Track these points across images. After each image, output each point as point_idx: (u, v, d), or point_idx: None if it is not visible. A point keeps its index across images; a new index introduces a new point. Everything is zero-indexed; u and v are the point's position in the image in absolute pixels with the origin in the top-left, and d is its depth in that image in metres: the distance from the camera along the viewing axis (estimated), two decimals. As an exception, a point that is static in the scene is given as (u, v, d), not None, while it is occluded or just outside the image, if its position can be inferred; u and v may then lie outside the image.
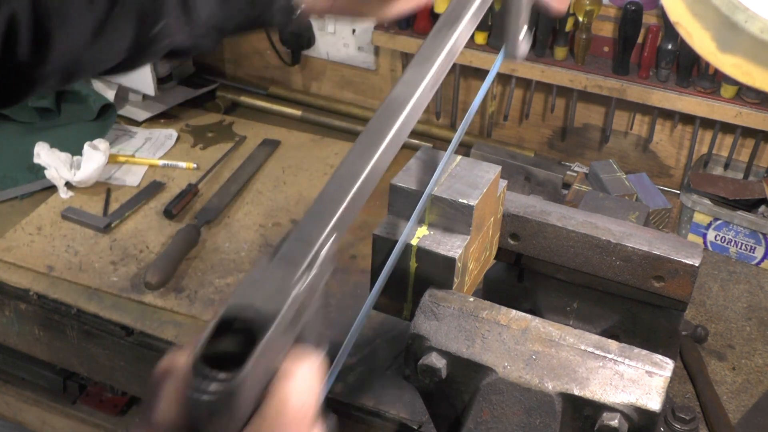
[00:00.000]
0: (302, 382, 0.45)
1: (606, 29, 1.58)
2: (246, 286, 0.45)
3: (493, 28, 1.59)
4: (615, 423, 0.74)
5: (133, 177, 1.59)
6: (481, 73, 1.70)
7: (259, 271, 0.46)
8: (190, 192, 1.52)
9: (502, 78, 1.67)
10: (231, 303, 0.44)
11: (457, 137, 0.84)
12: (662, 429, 1.01)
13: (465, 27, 0.67)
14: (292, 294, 0.44)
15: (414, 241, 0.84)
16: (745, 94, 1.49)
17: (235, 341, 0.43)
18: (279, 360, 0.45)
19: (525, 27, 0.84)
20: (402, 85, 0.62)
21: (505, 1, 0.81)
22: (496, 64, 0.86)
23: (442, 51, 0.64)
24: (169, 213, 1.47)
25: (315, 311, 0.48)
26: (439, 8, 1.59)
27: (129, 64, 0.74)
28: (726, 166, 1.58)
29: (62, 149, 1.55)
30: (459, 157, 0.91)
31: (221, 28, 0.75)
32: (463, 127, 0.84)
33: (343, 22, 1.74)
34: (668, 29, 1.51)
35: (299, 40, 1.78)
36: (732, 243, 1.43)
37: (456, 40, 0.66)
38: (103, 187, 1.56)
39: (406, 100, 0.60)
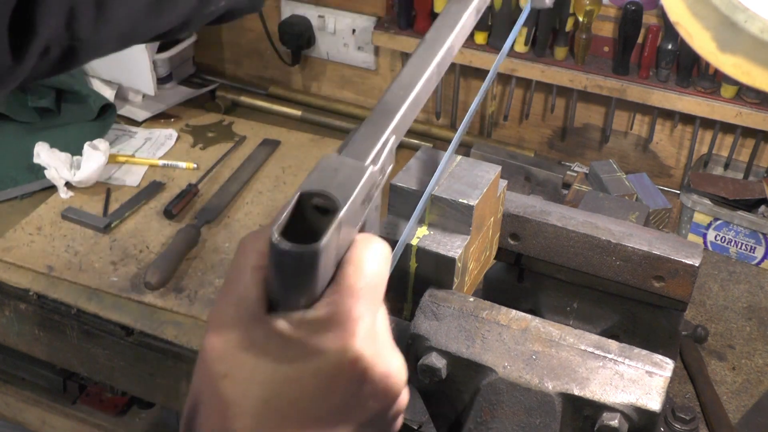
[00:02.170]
0: (375, 256, 0.47)
1: (606, 29, 1.58)
2: (319, 171, 0.47)
3: (493, 28, 1.59)
4: (615, 423, 0.74)
5: (133, 177, 1.59)
6: (481, 73, 1.70)
7: (328, 160, 0.48)
8: (190, 192, 1.52)
9: (502, 78, 1.67)
10: (306, 183, 0.46)
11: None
12: (662, 429, 1.01)
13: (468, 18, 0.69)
14: (363, 177, 0.47)
15: (414, 241, 0.84)
16: (745, 94, 1.49)
17: (314, 216, 0.46)
18: (354, 235, 0.47)
19: None
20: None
21: None
22: (523, 15, 0.86)
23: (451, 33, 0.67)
24: (169, 213, 1.47)
25: (376, 207, 0.51)
26: (439, 8, 1.60)
27: (185, 27, 0.75)
28: (726, 166, 1.58)
29: (62, 149, 1.55)
30: (459, 157, 0.91)
31: None
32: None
33: None
34: (668, 29, 1.51)
35: (299, 40, 1.78)
36: (732, 243, 1.43)
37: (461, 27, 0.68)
38: (103, 187, 1.56)
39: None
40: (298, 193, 0.46)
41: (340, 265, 0.46)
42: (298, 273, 0.44)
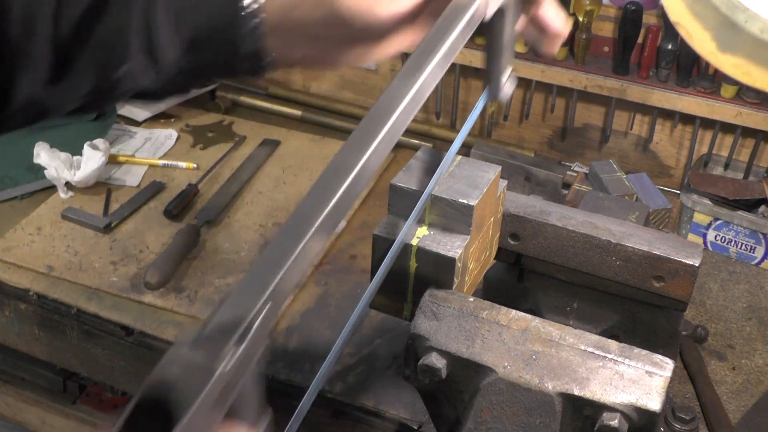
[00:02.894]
0: None
1: (606, 29, 1.58)
2: (168, 363, 0.42)
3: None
4: (615, 423, 0.74)
5: (133, 177, 1.59)
6: (481, 73, 1.70)
7: (184, 344, 0.42)
8: (190, 192, 1.52)
9: (502, 78, 1.67)
10: (150, 382, 0.41)
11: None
12: (662, 429, 1.01)
13: (435, 66, 0.63)
14: (216, 372, 0.41)
15: (414, 241, 0.84)
16: (745, 94, 1.49)
17: (154, 424, 0.41)
18: None
19: (509, 68, 0.81)
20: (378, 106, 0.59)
21: (487, 41, 0.77)
22: (477, 107, 0.83)
23: (430, 64, 0.62)
24: (169, 213, 1.47)
25: (252, 384, 0.45)
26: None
27: (93, 105, 0.73)
28: (726, 166, 1.58)
29: (62, 149, 1.55)
30: (459, 157, 0.91)
31: (187, 74, 0.72)
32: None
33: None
34: (668, 29, 1.51)
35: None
36: (732, 243, 1.43)
37: (424, 80, 0.62)
38: (103, 187, 1.56)
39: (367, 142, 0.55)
40: (135, 400, 0.41)
41: None
42: None
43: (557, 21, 0.75)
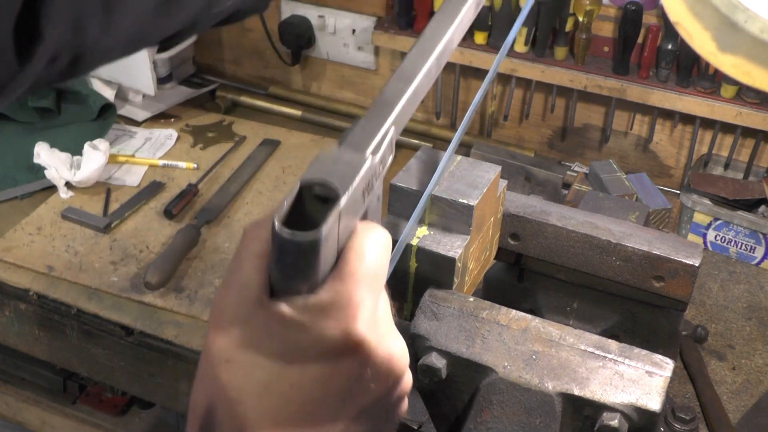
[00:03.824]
0: (376, 244, 0.48)
1: (606, 29, 1.58)
2: (319, 162, 0.48)
3: (493, 28, 1.59)
4: (615, 423, 0.74)
5: (133, 177, 1.59)
6: (481, 73, 1.70)
7: (328, 151, 0.49)
8: (190, 192, 1.52)
9: (502, 78, 1.67)
10: (307, 174, 0.47)
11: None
12: (662, 429, 1.01)
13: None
14: (363, 167, 0.48)
15: (414, 241, 0.84)
16: (745, 94, 1.49)
17: (315, 206, 0.46)
18: (353, 227, 0.48)
19: None
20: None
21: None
22: (522, 13, 0.84)
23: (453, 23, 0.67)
24: (169, 213, 1.47)
25: (377, 198, 0.53)
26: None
27: (193, 28, 0.75)
28: (726, 166, 1.58)
29: (62, 149, 1.55)
30: (459, 157, 0.91)
31: None
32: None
33: None
34: (668, 29, 1.51)
35: (299, 40, 1.78)
36: (732, 243, 1.43)
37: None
38: (103, 187, 1.56)
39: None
40: (299, 183, 0.46)
41: (341, 252, 0.47)
42: (299, 260, 0.45)
43: None
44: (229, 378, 0.46)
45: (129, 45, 0.70)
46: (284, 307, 0.45)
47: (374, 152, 0.51)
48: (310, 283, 0.45)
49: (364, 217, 0.50)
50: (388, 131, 0.55)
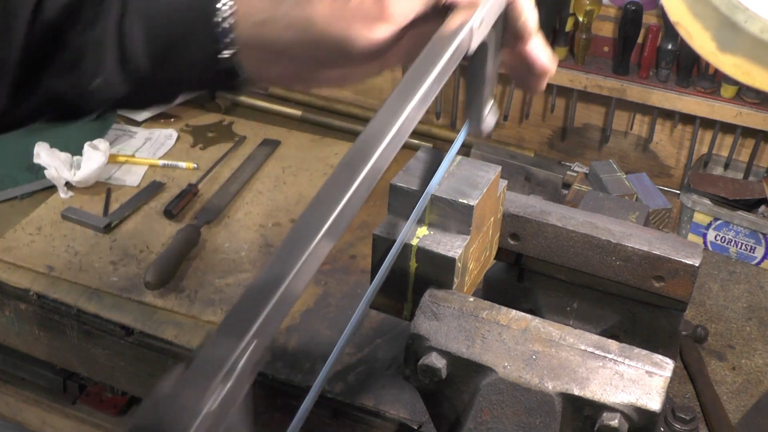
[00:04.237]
0: None
1: (606, 29, 1.58)
2: (154, 403, 0.42)
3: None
4: (615, 423, 0.74)
5: (133, 177, 1.59)
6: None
7: (170, 383, 0.42)
8: (190, 192, 1.52)
9: (502, 78, 1.67)
10: (135, 422, 0.41)
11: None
12: (662, 429, 1.01)
13: (418, 101, 0.62)
14: (202, 412, 0.41)
15: (414, 241, 0.84)
16: (745, 94, 1.49)
17: None
18: None
19: (491, 101, 0.80)
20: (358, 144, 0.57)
21: (468, 74, 0.76)
22: (458, 140, 0.83)
23: (407, 107, 0.61)
24: (169, 213, 1.47)
25: (238, 422, 0.44)
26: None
27: (69, 115, 0.73)
28: (726, 166, 1.58)
29: (62, 149, 1.55)
30: (459, 157, 0.91)
31: (162, 87, 0.71)
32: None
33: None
34: (668, 29, 1.51)
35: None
36: (732, 243, 1.43)
37: (406, 117, 0.61)
38: (103, 187, 1.56)
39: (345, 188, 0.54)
40: None
41: None
42: None
43: (544, 57, 0.75)
44: None
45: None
46: None
47: (228, 375, 0.43)
48: None
49: None
50: (249, 345, 0.44)
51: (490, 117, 0.80)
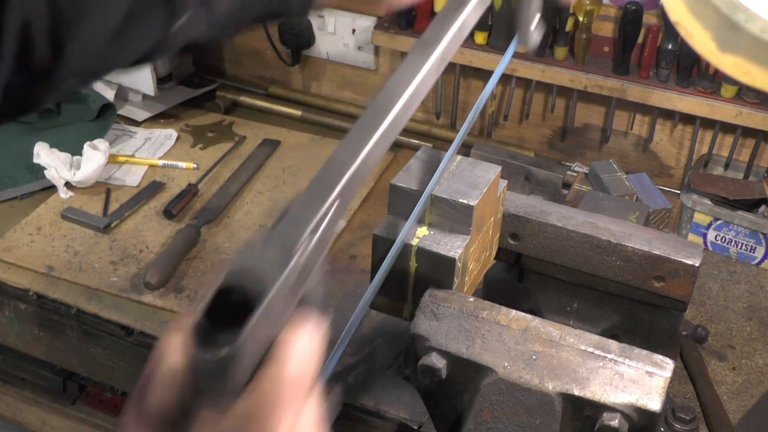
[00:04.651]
0: (302, 349, 0.45)
1: (606, 29, 1.58)
2: (247, 251, 0.45)
3: (493, 28, 1.59)
4: (615, 423, 0.74)
5: (133, 177, 1.59)
6: (481, 73, 1.70)
7: (262, 235, 0.46)
8: (190, 192, 1.52)
9: (502, 78, 1.67)
10: (230, 268, 0.44)
11: (459, 138, 0.84)
12: (662, 429, 1.01)
13: (472, 11, 0.67)
14: (293, 260, 0.44)
15: (414, 241, 0.84)
16: (745, 94, 1.49)
17: (234, 307, 0.43)
18: (280, 326, 0.45)
19: (537, 15, 0.83)
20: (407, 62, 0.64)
21: None
22: (508, 52, 0.86)
23: (447, 34, 0.64)
24: (169, 213, 1.47)
25: (318, 278, 0.48)
26: (439, 8, 1.59)
27: (147, 59, 0.74)
28: (726, 166, 1.58)
29: (62, 149, 1.55)
30: (459, 157, 0.91)
31: (239, 20, 0.74)
32: (467, 125, 0.84)
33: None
34: (668, 29, 1.51)
35: (299, 40, 1.78)
36: (732, 243, 1.43)
37: (463, 22, 0.66)
38: (102, 187, 1.56)
39: (411, 77, 0.62)
40: (216, 287, 0.43)
41: (265, 357, 0.45)
42: (215, 367, 0.42)
43: None
44: None
45: (80, 78, 0.69)
46: None
47: (314, 231, 0.47)
48: (229, 393, 0.43)
49: (303, 302, 0.46)
50: (333, 204, 0.49)
51: (536, 32, 0.84)
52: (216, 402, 0.43)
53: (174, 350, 0.44)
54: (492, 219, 0.93)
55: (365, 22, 1.73)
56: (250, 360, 0.43)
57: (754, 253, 1.42)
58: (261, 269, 0.43)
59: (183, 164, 1.63)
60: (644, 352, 0.79)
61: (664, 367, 0.77)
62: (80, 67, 0.66)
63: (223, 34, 0.76)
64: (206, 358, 0.41)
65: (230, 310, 0.43)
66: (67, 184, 1.53)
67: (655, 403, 0.75)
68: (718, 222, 1.42)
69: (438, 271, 0.85)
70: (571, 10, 1.53)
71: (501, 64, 0.87)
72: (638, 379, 0.76)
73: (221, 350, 0.41)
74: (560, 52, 1.58)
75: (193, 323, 0.42)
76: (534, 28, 0.83)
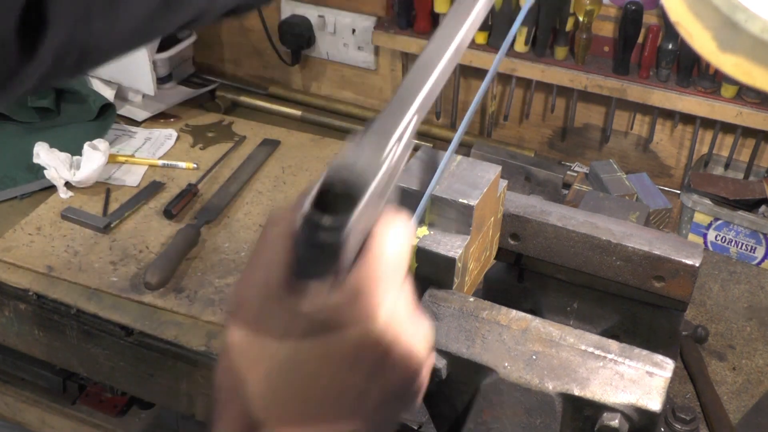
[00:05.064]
0: (397, 239, 0.50)
1: (606, 29, 1.57)
2: (347, 154, 0.50)
3: (493, 28, 1.59)
4: (615, 423, 0.74)
5: (132, 177, 1.59)
6: (481, 73, 1.70)
7: (356, 142, 0.51)
8: (190, 192, 1.52)
9: (502, 78, 1.67)
10: (334, 166, 0.49)
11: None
12: (662, 429, 1.01)
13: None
14: (386, 161, 0.50)
15: (414, 241, 0.84)
16: (745, 93, 1.49)
17: (339, 198, 0.48)
18: (375, 219, 0.50)
19: None
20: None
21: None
22: (522, 12, 0.84)
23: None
24: (169, 213, 1.47)
25: (396, 186, 0.54)
26: (439, 8, 1.59)
27: (198, 21, 0.73)
28: (726, 166, 1.58)
29: (62, 149, 1.54)
30: (459, 157, 0.90)
31: None
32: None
33: None
34: (668, 29, 1.51)
35: (299, 40, 1.78)
36: (732, 243, 1.43)
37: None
38: (102, 187, 1.56)
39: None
40: (321, 181, 0.48)
41: (363, 246, 0.49)
42: (326, 249, 0.47)
43: None
44: (244, 365, 0.48)
45: (134, 39, 0.69)
46: (305, 305, 0.47)
47: (399, 140, 0.53)
48: (334, 271, 0.47)
49: (390, 200, 0.52)
50: (412, 119, 0.56)
51: None
52: (325, 273, 0.47)
53: (286, 219, 0.48)
54: (492, 219, 0.93)
55: (365, 22, 1.73)
56: (355, 245, 0.48)
57: (754, 253, 1.42)
58: (362, 166, 0.49)
59: (183, 164, 1.63)
60: (644, 352, 0.79)
61: (664, 367, 0.77)
62: (133, 30, 0.67)
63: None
64: (320, 234, 0.46)
65: (334, 203, 0.48)
66: (67, 184, 1.53)
67: (655, 403, 0.75)
68: (718, 222, 1.42)
69: (438, 271, 0.85)
70: (571, 10, 1.53)
71: (518, 18, 0.85)
72: (638, 379, 0.76)
73: (333, 229, 0.46)
74: (560, 52, 1.58)
75: (302, 214, 0.46)
76: None
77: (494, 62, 0.83)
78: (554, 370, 0.78)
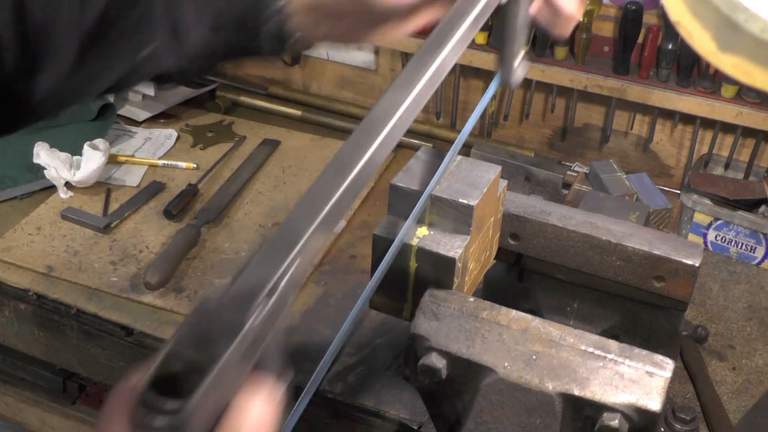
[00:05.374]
0: (256, 414, 0.44)
1: (606, 29, 1.58)
2: (199, 315, 0.44)
3: (494, 28, 1.59)
4: (615, 423, 0.74)
5: (132, 177, 1.59)
6: (481, 73, 1.70)
7: (215, 297, 0.44)
8: (190, 192, 1.52)
9: (502, 78, 1.67)
10: (182, 332, 0.43)
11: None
12: (663, 429, 1.01)
13: (452, 48, 0.65)
14: (246, 324, 0.43)
15: (414, 241, 0.84)
16: (745, 93, 1.49)
17: (185, 371, 0.42)
18: (233, 391, 0.44)
19: (522, 52, 0.80)
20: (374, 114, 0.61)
21: (499, 23, 0.78)
22: (489, 90, 0.84)
23: (425, 74, 0.63)
24: (169, 213, 1.47)
25: (278, 339, 0.46)
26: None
27: (118, 87, 0.73)
28: (726, 166, 1.58)
29: (62, 149, 1.54)
30: (459, 157, 0.90)
31: (210, 55, 0.72)
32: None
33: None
34: (668, 29, 1.51)
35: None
36: (732, 243, 1.43)
37: (442, 61, 0.64)
38: (102, 187, 1.56)
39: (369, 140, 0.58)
40: (163, 354, 0.43)
41: (219, 420, 0.43)
42: None
43: (569, 4, 0.76)
44: None
45: (56, 102, 0.69)
46: None
47: (271, 292, 0.45)
48: None
49: (260, 365, 0.45)
50: (291, 265, 0.46)
51: (520, 69, 0.81)
52: None
53: (119, 423, 0.42)
54: (492, 219, 0.93)
55: (365, 22, 1.73)
56: (206, 422, 0.42)
57: (754, 253, 1.42)
58: (212, 335, 0.42)
59: (183, 164, 1.63)
60: (644, 352, 0.79)
61: (665, 367, 0.77)
62: (46, 102, 0.67)
63: (195, 67, 0.74)
64: (154, 425, 0.40)
65: (179, 378, 0.42)
66: (67, 184, 1.53)
67: (655, 403, 0.75)
68: (718, 222, 1.42)
69: (438, 271, 0.84)
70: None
71: (484, 98, 0.86)
72: (638, 379, 0.76)
73: (171, 415, 0.40)
74: (560, 51, 1.58)
75: (138, 393, 0.41)
76: (518, 65, 0.81)
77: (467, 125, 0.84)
78: (554, 370, 0.78)
